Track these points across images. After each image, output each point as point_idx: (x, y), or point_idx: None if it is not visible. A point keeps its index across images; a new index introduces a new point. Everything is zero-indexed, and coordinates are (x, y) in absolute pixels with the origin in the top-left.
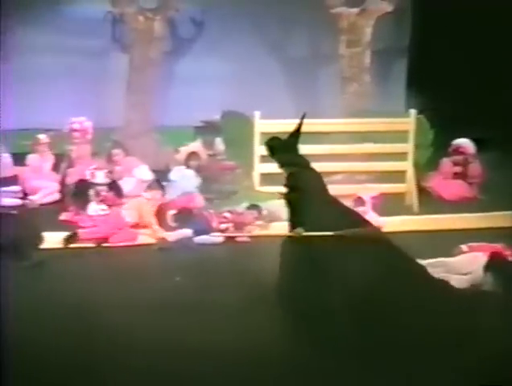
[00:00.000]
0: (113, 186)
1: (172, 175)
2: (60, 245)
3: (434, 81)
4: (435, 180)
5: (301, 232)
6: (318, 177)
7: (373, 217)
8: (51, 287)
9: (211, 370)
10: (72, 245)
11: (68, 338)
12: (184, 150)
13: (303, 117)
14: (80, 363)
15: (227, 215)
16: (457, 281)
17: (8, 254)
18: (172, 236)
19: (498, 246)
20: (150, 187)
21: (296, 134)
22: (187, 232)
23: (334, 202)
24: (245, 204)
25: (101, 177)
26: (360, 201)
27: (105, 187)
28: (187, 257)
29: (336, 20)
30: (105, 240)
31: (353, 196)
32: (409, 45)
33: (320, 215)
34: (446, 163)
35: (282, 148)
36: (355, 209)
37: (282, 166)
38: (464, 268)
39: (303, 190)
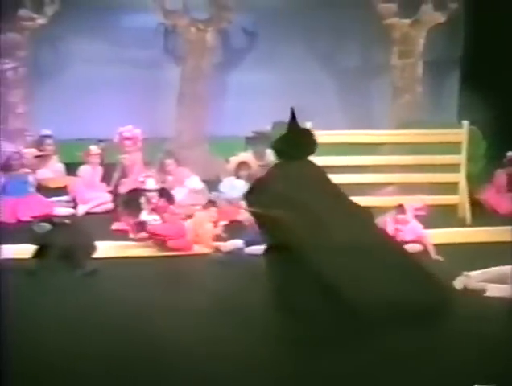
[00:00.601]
0: (164, 193)
1: (222, 186)
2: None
3: (487, 92)
4: (488, 192)
5: None
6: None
7: (414, 226)
8: (103, 295)
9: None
10: (124, 255)
11: (121, 346)
12: (234, 160)
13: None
14: (141, 371)
15: None
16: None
17: (62, 263)
18: (226, 246)
19: None
20: (205, 207)
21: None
22: (239, 242)
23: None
24: None
25: (151, 183)
26: (401, 209)
27: (155, 194)
28: (240, 267)
29: (388, 31)
30: (164, 241)
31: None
32: (462, 55)
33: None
34: (500, 175)
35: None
36: (396, 216)
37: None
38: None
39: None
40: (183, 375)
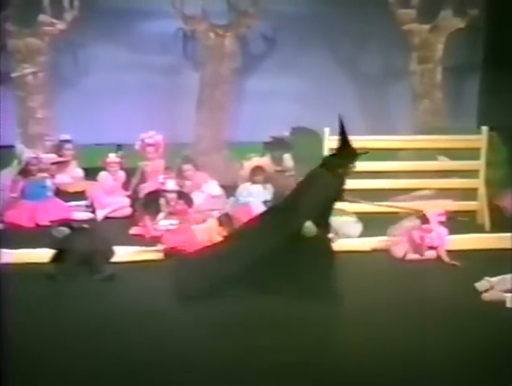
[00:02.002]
0: (183, 195)
1: (239, 193)
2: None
3: (506, 98)
4: (508, 199)
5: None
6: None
7: (440, 232)
8: (121, 300)
9: None
10: (142, 259)
11: (137, 349)
12: (248, 166)
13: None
14: (149, 374)
15: None
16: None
17: (81, 267)
18: None
19: None
20: (220, 221)
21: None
22: None
23: None
24: None
25: (171, 184)
26: (425, 218)
27: (175, 195)
28: None
29: (407, 36)
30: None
31: (420, 213)
32: (482, 61)
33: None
34: None
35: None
36: (421, 226)
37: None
38: None
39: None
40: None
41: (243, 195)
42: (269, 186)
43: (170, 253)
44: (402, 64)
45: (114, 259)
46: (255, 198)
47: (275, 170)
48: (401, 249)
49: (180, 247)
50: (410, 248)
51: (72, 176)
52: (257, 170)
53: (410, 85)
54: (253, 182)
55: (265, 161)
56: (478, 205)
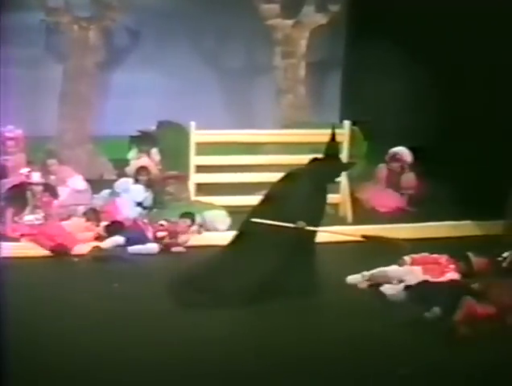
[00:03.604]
0: (49, 188)
1: (117, 186)
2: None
3: (368, 92)
4: (368, 191)
5: (304, 225)
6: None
7: None
8: None
9: None
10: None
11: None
12: (134, 164)
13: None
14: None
15: (163, 223)
16: (389, 289)
17: None
18: (105, 244)
19: (442, 257)
20: (86, 216)
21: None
22: (119, 239)
23: None
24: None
25: (36, 177)
26: None
27: (41, 188)
28: (122, 267)
29: (271, 32)
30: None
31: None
32: (343, 57)
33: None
34: (382, 169)
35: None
36: None
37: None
38: (398, 277)
39: None
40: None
41: (120, 189)
42: (151, 191)
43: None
44: (266, 59)
45: None
46: (131, 195)
47: (158, 170)
48: None
49: (50, 242)
50: None
51: None
52: (142, 170)
53: (273, 80)
54: (137, 181)
55: (147, 161)
56: (340, 198)
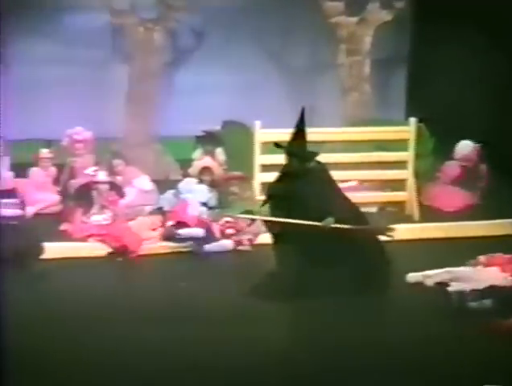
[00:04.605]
0: (115, 186)
1: (181, 187)
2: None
3: (433, 89)
4: (435, 189)
5: (331, 221)
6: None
7: None
8: (51, 298)
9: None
10: (73, 255)
11: (65, 348)
12: (197, 165)
13: (302, 112)
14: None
15: (229, 220)
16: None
17: (9, 265)
18: (183, 232)
19: None
20: (151, 213)
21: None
22: (198, 231)
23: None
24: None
25: (102, 175)
26: None
27: (107, 186)
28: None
29: (335, 29)
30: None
31: None
32: (408, 54)
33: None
34: (450, 166)
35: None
36: None
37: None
38: (468, 278)
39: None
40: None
41: (184, 189)
42: (215, 192)
43: (116, 251)
44: (331, 57)
45: (45, 256)
46: (195, 195)
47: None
48: None
49: (117, 243)
50: None
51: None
52: (206, 170)
53: (338, 78)
54: (200, 181)
55: (211, 161)
56: (407, 196)
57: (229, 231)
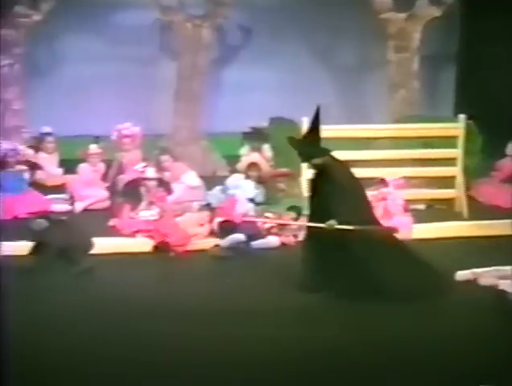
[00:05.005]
0: (163, 183)
1: (229, 183)
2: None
3: (482, 87)
4: (484, 186)
5: (334, 224)
6: (344, 167)
7: (396, 198)
8: (100, 292)
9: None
10: (122, 251)
11: (115, 343)
12: (245, 161)
13: (317, 111)
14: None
15: (269, 215)
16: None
17: (59, 260)
18: (224, 242)
19: None
20: (200, 209)
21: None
22: (240, 236)
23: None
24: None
25: (151, 172)
26: (383, 183)
27: (155, 183)
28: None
29: (384, 25)
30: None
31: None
32: (458, 51)
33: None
34: (506, 163)
35: (305, 143)
36: (379, 190)
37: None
38: None
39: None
40: (183, 375)
41: (232, 186)
42: (262, 188)
43: (159, 246)
44: (379, 54)
45: (93, 251)
46: (242, 191)
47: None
48: None
49: (164, 238)
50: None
51: (51, 171)
52: (253, 166)
53: (387, 74)
54: (248, 177)
55: (258, 157)
56: (456, 193)
57: (267, 225)
